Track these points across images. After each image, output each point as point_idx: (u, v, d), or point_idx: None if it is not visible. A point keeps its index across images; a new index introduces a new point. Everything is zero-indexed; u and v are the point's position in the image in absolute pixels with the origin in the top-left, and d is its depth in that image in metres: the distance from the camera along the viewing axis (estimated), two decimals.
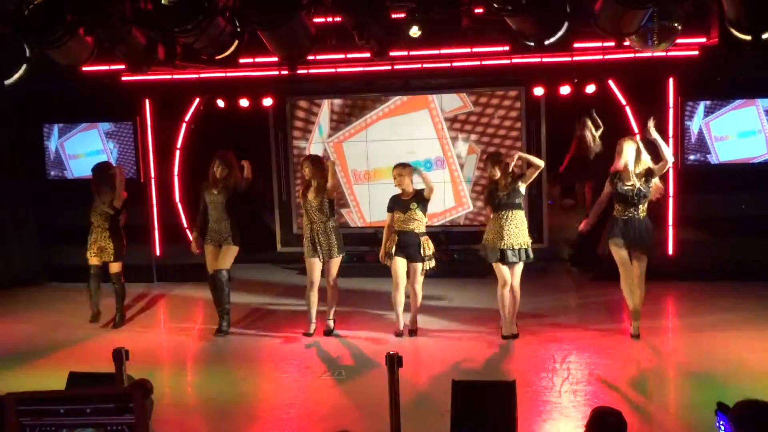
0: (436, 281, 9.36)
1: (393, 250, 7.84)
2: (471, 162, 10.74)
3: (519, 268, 7.72)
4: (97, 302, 8.82)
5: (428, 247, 7.92)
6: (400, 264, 7.85)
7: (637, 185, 7.34)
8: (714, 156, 9.53)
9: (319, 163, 8.19)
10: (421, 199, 7.85)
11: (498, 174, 7.65)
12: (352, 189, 11.11)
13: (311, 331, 8.19)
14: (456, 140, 10.80)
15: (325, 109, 11.10)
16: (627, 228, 7.44)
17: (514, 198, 7.65)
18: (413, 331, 8.03)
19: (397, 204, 7.90)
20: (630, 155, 7.35)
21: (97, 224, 8.61)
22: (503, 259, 7.62)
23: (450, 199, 10.88)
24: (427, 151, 10.78)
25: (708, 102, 9.48)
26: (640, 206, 7.43)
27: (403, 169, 7.90)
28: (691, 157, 9.58)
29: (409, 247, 7.83)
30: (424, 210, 7.91)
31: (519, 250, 7.63)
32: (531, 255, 7.74)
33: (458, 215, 10.95)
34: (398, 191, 7.96)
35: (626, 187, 7.38)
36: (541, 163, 7.76)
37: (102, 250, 8.63)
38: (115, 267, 8.70)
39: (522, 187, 7.69)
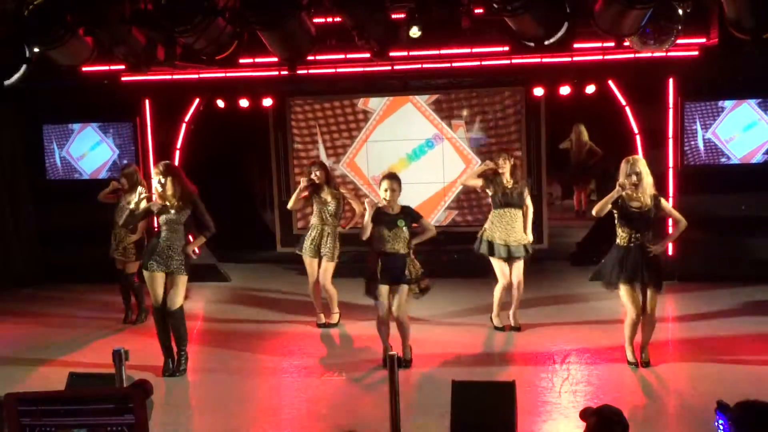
0: (437, 281, 9.34)
1: (378, 275, 6.97)
2: (461, 133, 11.01)
3: (519, 264, 7.91)
4: (130, 304, 8.87)
5: (414, 268, 7.06)
6: (384, 291, 6.97)
7: (648, 206, 6.60)
8: (733, 157, 9.56)
9: (327, 169, 8.48)
10: (408, 215, 7.06)
11: (507, 169, 7.77)
12: (378, 195, 11.18)
13: (323, 320, 8.47)
14: (445, 119, 11.02)
15: (321, 144, 11.25)
16: (632, 259, 6.63)
17: (518, 199, 7.85)
18: (408, 362, 7.07)
19: (381, 219, 6.99)
20: (646, 175, 6.58)
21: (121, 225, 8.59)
22: (492, 252, 7.80)
23: (460, 163, 11.03)
24: (425, 134, 11.05)
25: (703, 112, 9.53)
26: (647, 233, 6.67)
27: (396, 183, 7.04)
28: (702, 162, 9.63)
29: (394, 270, 6.95)
30: (410, 228, 7.05)
31: (517, 246, 7.80)
32: (529, 251, 7.93)
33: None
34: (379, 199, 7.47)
35: (633, 209, 6.62)
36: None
37: (125, 249, 8.65)
38: (132, 267, 8.67)
39: (526, 192, 7.91)
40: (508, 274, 7.92)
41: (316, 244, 8.25)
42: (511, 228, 7.81)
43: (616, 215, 6.74)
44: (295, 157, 11.38)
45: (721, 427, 3.30)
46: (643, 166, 6.62)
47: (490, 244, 7.88)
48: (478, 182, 7.99)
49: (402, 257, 6.99)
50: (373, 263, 7.03)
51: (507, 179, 7.83)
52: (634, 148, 9.38)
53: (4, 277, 10.77)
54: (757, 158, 9.52)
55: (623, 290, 6.72)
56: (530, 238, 7.99)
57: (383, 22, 6.70)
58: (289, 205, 8.47)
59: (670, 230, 7.23)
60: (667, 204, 6.95)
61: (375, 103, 11.09)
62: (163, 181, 6.96)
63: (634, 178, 6.55)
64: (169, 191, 6.97)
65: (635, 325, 6.80)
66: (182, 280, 7.04)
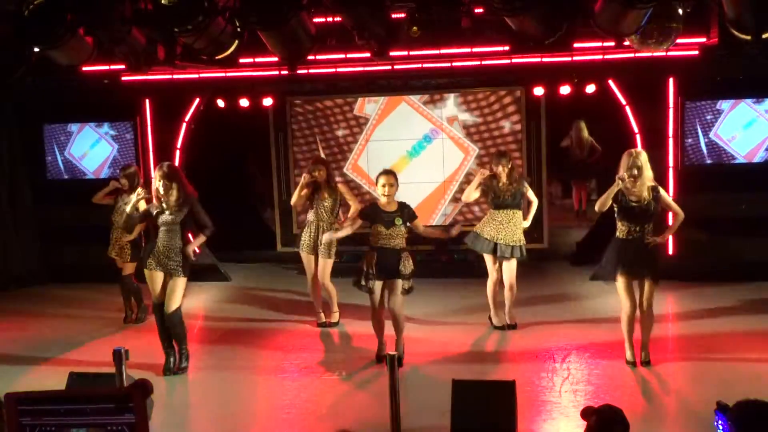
0: (436, 281, 9.37)
1: (373, 270, 7.05)
2: (456, 126, 11.06)
3: (514, 264, 7.92)
4: (130, 304, 8.86)
5: (408, 264, 7.12)
6: (378, 286, 7.10)
7: (647, 200, 6.62)
8: (738, 156, 9.57)
9: (328, 167, 8.47)
10: (405, 213, 7.12)
11: (504, 172, 7.76)
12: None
13: (323, 319, 8.50)
14: (440, 114, 11.08)
15: (320, 152, 11.30)
16: (632, 252, 6.67)
17: (517, 199, 7.87)
18: (399, 358, 6.85)
19: (379, 216, 7.08)
20: (646, 169, 6.62)
21: (119, 225, 8.51)
22: (494, 251, 7.83)
23: (459, 153, 11.07)
24: (423, 130, 11.10)
25: (703, 112, 9.54)
26: (647, 226, 6.68)
27: (393, 178, 7.10)
28: (714, 161, 9.64)
29: (389, 265, 7.05)
30: (407, 225, 7.14)
31: (513, 247, 7.82)
32: (524, 253, 7.94)
33: (471, 163, 11.01)
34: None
35: (632, 203, 6.64)
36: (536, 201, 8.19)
37: (121, 249, 8.62)
38: (129, 268, 8.65)
39: (525, 190, 7.93)
40: (498, 269, 7.95)
41: (312, 241, 8.29)
42: (502, 228, 7.81)
43: (615, 209, 6.75)
44: (295, 158, 11.39)
45: (721, 427, 3.30)
46: (644, 160, 6.66)
47: (477, 237, 7.93)
48: (477, 194, 8.01)
49: (397, 252, 7.07)
50: (369, 258, 7.10)
51: (503, 182, 7.80)
52: (634, 148, 9.38)
53: (4, 277, 10.77)
54: (760, 155, 9.52)
55: (620, 282, 6.74)
56: (526, 224, 8.03)
57: (383, 22, 6.70)
58: (292, 200, 8.55)
59: (671, 223, 7.31)
60: (666, 195, 6.95)
61: (371, 108, 11.14)
62: (166, 183, 6.92)
63: (634, 171, 6.56)
64: (173, 196, 6.94)
65: (632, 320, 6.81)
66: (180, 282, 7.00)
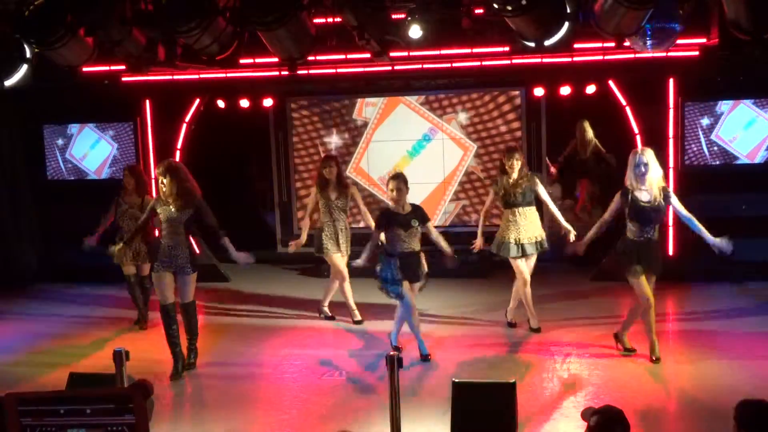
0: (436, 281, 9.34)
1: (399, 276, 7.10)
2: (455, 125, 11.06)
3: (533, 260, 7.92)
4: (142, 308, 8.72)
5: (425, 264, 7.35)
6: (407, 287, 7.16)
7: (658, 200, 6.70)
8: (740, 156, 9.56)
9: (339, 164, 8.58)
10: (419, 215, 7.23)
11: (515, 168, 7.70)
12: (386, 194, 11.31)
13: (359, 317, 8.51)
14: (438, 115, 11.11)
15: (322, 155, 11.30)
16: (643, 252, 6.77)
17: (529, 196, 7.81)
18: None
19: (395, 220, 7.15)
20: (654, 166, 6.68)
21: (128, 228, 8.37)
22: (523, 253, 7.77)
23: (458, 151, 11.07)
24: (421, 130, 11.12)
25: (703, 112, 9.54)
26: (656, 226, 6.81)
27: (402, 182, 7.19)
28: (717, 162, 9.64)
29: (411, 268, 7.19)
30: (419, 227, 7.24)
31: (535, 243, 7.82)
32: (546, 245, 7.95)
33: (469, 160, 11.05)
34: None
35: (643, 204, 6.70)
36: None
37: (137, 253, 8.49)
38: (147, 269, 8.55)
39: (537, 188, 7.81)
40: (525, 272, 7.83)
41: (334, 241, 8.33)
42: (520, 227, 7.75)
43: (626, 211, 6.78)
44: (294, 159, 11.39)
45: None
46: (650, 157, 6.71)
47: (502, 244, 7.83)
48: (491, 201, 8.02)
49: (417, 255, 7.24)
50: (392, 264, 7.09)
51: (513, 178, 7.72)
52: (634, 149, 9.38)
53: (6, 276, 10.77)
54: (761, 155, 9.51)
55: (638, 281, 6.81)
56: (564, 225, 7.78)
57: (383, 22, 6.70)
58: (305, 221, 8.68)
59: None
60: (677, 201, 6.92)
61: (370, 111, 11.15)
62: (163, 180, 6.96)
63: (642, 168, 6.64)
64: (168, 189, 6.96)
65: (652, 312, 6.87)
66: (190, 278, 7.08)
